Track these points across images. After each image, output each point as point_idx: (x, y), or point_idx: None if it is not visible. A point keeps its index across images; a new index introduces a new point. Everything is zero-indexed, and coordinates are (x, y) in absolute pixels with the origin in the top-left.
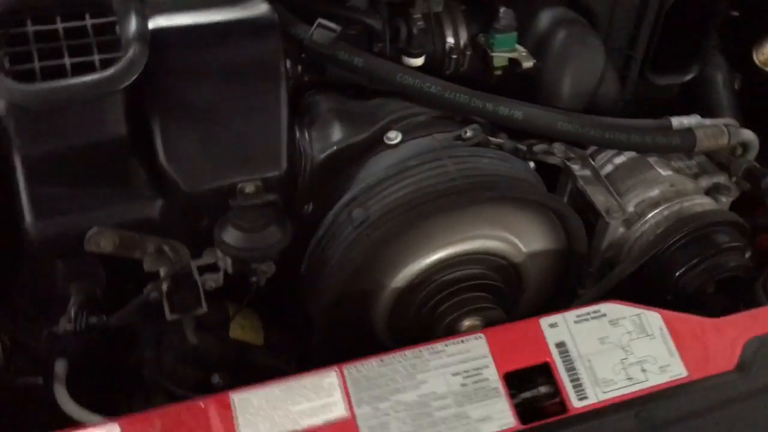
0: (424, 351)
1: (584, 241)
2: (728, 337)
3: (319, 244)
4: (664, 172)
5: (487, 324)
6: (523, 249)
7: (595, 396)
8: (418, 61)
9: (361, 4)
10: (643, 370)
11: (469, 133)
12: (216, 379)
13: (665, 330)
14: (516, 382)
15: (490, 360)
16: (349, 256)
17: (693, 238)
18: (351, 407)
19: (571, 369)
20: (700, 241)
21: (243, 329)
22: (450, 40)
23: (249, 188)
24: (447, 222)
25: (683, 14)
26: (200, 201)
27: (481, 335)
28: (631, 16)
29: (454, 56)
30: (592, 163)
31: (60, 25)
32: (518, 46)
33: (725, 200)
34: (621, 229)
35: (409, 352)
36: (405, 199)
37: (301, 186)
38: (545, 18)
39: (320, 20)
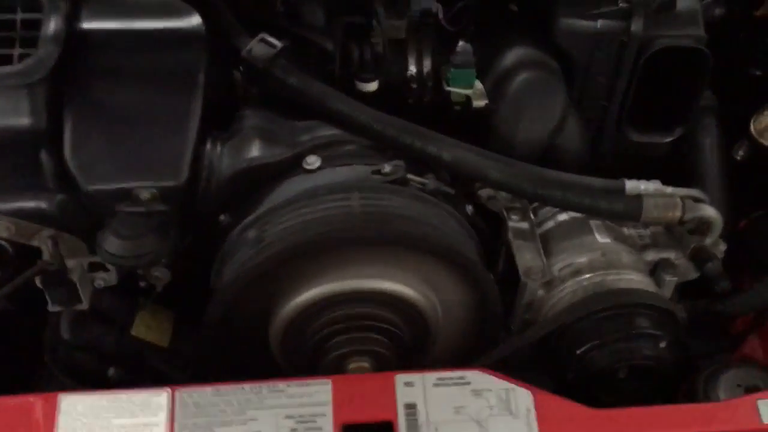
0: (264, 388)
1: (496, 298)
2: (609, 429)
3: (222, 259)
4: (601, 239)
5: (378, 368)
6: (431, 297)
7: None
8: (371, 86)
9: (319, 22)
10: None
11: (387, 169)
12: (111, 372)
13: (533, 412)
14: None
15: (329, 408)
16: (238, 275)
17: (604, 316)
18: (171, 424)
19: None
20: (610, 321)
21: (148, 329)
22: (412, 68)
23: (144, 195)
24: (342, 257)
25: (667, 68)
26: (97, 200)
27: (328, 381)
28: (609, 64)
29: (414, 85)
30: (532, 217)
31: None
32: (477, 83)
33: (669, 279)
34: (540, 292)
35: (248, 386)
36: (297, 228)
37: (209, 198)
38: (510, 57)
39: (263, 35)
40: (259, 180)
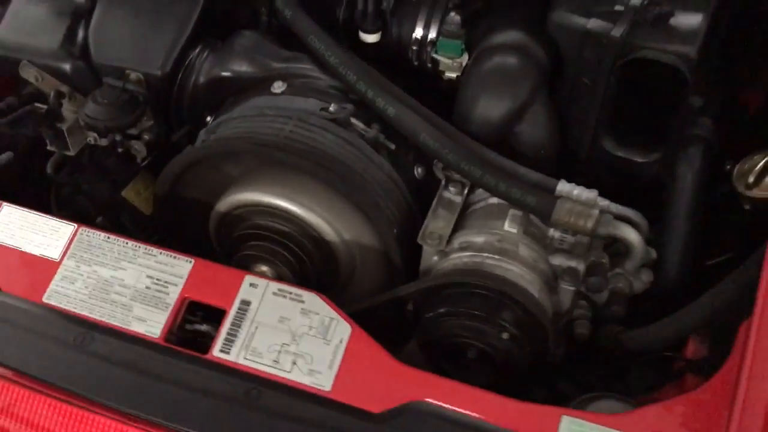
0: (141, 248)
1: (396, 251)
2: (398, 386)
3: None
4: (507, 227)
5: (280, 274)
6: (343, 234)
7: (235, 356)
8: (369, 38)
9: None
10: (294, 363)
11: (332, 108)
12: (99, 219)
13: (344, 344)
14: (192, 310)
15: (181, 282)
16: (177, 159)
17: (460, 292)
18: (63, 256)
19: (236, 325)
20: (463, 297)
21: (138, 195)
22: (419, 31)
23: (133, 76)
24: (265, 172)
25: (654, 83)
26: (100, 72)
27: (191, 260)
28: (593, 65)
29: (415, 48)
30: (465, 193)
31: None
32: (465, 56)
33: (565, 287)
34: (435, 259)
35: (131, 243)
36: (231, 135)
37: (185, 95)
38: (497, 38)
39: None
40: (232, 90)
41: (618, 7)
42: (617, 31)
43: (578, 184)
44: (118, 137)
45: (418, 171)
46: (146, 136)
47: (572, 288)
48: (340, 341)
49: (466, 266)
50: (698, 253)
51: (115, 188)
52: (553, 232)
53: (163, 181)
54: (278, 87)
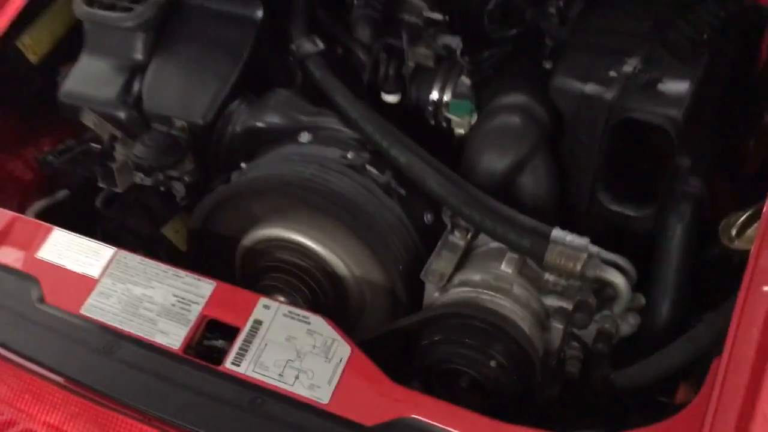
0: (171, 270)
1: (400, 288)
2: (390, 403)
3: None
4: (504, 268)
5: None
6: (354, 270)
7: (245, 369)
8: (390, 98)
9: (365, 39)
10: (296, 377)
11: (350, 156)
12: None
13: (343, 362)
14: (211, 326)
15: (203, 301)
16: (211, 196)
17: (455, 322)
18: (102, 274)
19: (248, 342)
20: (456, 327)
21: (176, 233)
22: (434, 93)
23: (178, 123)
24: (286, 209)
25: (649, 143)
26: (150, 119)
27: (214, 283)
28: (590, 125)
29: (431, 108)
30: (467, 236)
31: None
32: (474, 116)
33: (555, 325)
34: (436, 294)
35: (162, 266)
36: (256, 176)
37: (224, 143)
38: (504, 99)
39: (314, 36)
40: (265, 140)
41: (612, 74)
42: (609, 95)
43: (579, 235)
44: (161, 177)
45: (428, 217)
46: (187, 179)
47: (561, 326)
48: (340, 360)
49: (462, 300)
50: (689, 303)
51: (156, 225)
52: (548, 276)
53: (196, 216)
54: (305, 137)
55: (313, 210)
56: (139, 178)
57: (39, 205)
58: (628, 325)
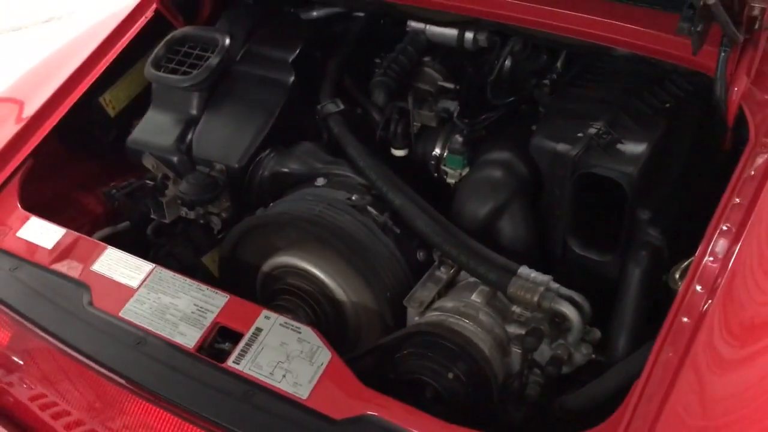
0: (195, 284)
1: (387, 311)
2: (359, 402)
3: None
4: (474, 298)
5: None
6: (352, 296)
7: (243, 367)
8: (398, 152)
9: (380, 102)
10: (284, 376)
11: (354, 198)
12: None
13: (323, 366)
14: (224, 333)
15: (216, 311)
16: (238, 226)
17: (423, 340)
18: (140, 285)
19: (248, 345)
20: (422, 344)
21: (213, 261)
22: (437, 150)
23: (218, 166)
24: (297, 240)
25: (615, 196)
26: (197, 163)
27: (227, 296)
28: (558, 180)
29: (433, 162)
30: (451, 271)
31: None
32: (466, 169)
33: (516, 350)
34: (416, 318)
35: (188, 280)
36: (274, 211)
37: (254, 186)
38: (490, 155)
39: (336, 99)
40: (288, 183)
41: (579, 135)
42: (574, 152)
43: (555, 279)
44: (201, 211)
45: (420, 254)
46: (224, 215)
47: (519, 350)
48: (321, 364)
49: (431, 321)
50: (644, 337)
51: (197, 254)
52: (515, 308)
53: (225, 245)
54: (320, 181)
55: (318, 241)
56: (184, 212)
57: (103, 232)
58: (581, 354)
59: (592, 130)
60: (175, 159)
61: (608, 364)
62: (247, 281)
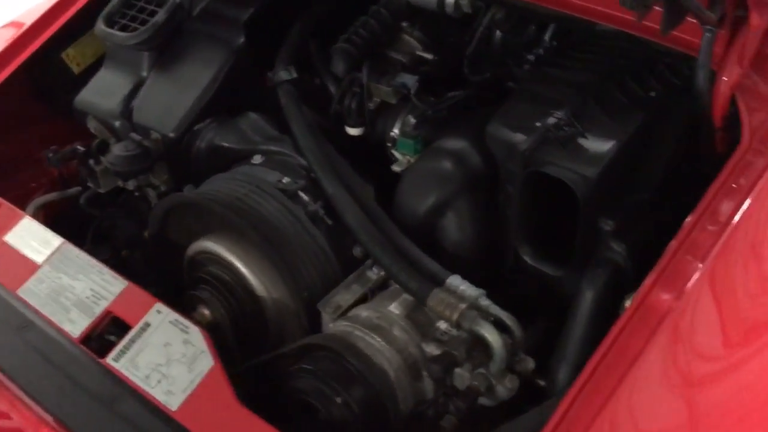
0: (97, 266)
1: (302, 312)
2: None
3: None
4: (392, 309)
5: (214, 321)
6: (272, 292)
7: (121, 366)
8: (353, 131)
9: (339, 72)
10: (159, 381)
11: (284, 181)
12: (124, 252)
13: (202, 375)
14: (116, 323)
15: (111, 298)
16: (159, 207)
17: (320, 355)
18: (45, 262)
19: (132, 341)
20: (316, 361)
21: None
22: (395, 131)
23: (154, 135)
24: (217, 225)
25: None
26: (137, 130)
27: (126, 283)
28: (512, 176)
29: (389, 144)
30: (382, 272)
31: None
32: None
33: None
34: (330, 324)
35: (92, 260)
36: (196, 191)
37: (190, 157)
38: (441, 143)
39: (290, 66)
40: (227, 158)
41: (537, 124)
42: (524, 144)
43: (506, 291)
44: (136, 183)
45: (357, 250)
46: (163, 187)
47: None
48: (200, 372)
49: (336, 334)
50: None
51: (137, 227)
52: (440, 324)
53: (151, 223)
54: (257, 159)
55: (233, 229)
56: (121, 182)
57: (49, 196)
58: (505, 388)
59: (551, 121)
60: (117, 124)
61: (548, 398)
62: (178, 264)
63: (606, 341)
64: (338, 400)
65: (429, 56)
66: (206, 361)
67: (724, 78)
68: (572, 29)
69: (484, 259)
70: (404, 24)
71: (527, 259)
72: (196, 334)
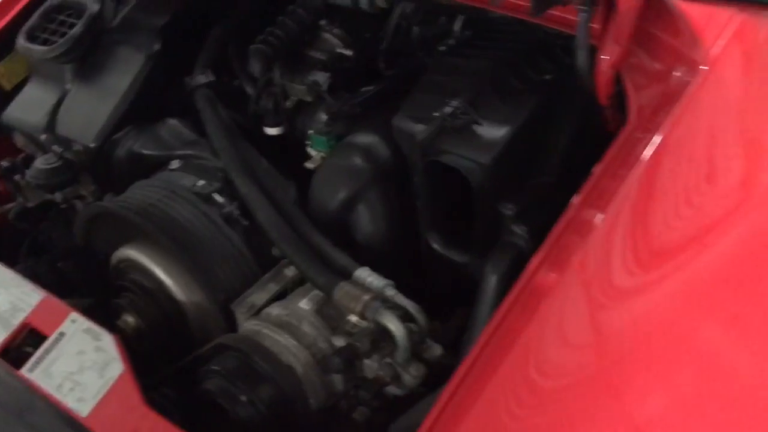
0: (18, 278)
1: (218, 316)
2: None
3: None
4: (302, 305)
5: (138, 329)
6: (192, 296)
7: (36, 376)
8: (271, 131)
9: (256, 73)
10: (71, 389)
11: (199, 185)
12: (59, 264)
13: (112, 381)
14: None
15: (29, 309)
16: (81, 216)
17: (228, 356)
18: None
19: (47, 351)
20: (224, 361)
21: None
22: (311, 130)
23: (76, 146)
24: (134, 231)
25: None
26: (61, 143)
27: (43, 294)
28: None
29: (308, 142)
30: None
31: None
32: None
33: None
34: (245, 324)
35: (11, 273)
36: (112, 200)
37: (112, 165)
38: (351, 138)
39: (207, 70)
40: (148, 165)
41: (436, 114)
42: (422, 134)
43: (423, 281)
44: (62, 196)
45: (276, 250)
46: (90, 198)
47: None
48: (111, 377)
49: (244, 333)
50: None
51: (70, 238)
52: (350, 317)
53: (76, 234)
54: (174, 165)
55: (146, 235)
56: (48, 195)
57: None
58: (410, 375)
59: (448, 109)
60: (42, 138)
61: None
62: (106, 273)
63: (492, 323)
64: (243, 398)
65: (348, 53)
66: (116, 367)
67: (604, 57)
68: (475, 18)
69: (399, 250)
70: (323, 22)
71: (436, 247)
72: (107, 342)
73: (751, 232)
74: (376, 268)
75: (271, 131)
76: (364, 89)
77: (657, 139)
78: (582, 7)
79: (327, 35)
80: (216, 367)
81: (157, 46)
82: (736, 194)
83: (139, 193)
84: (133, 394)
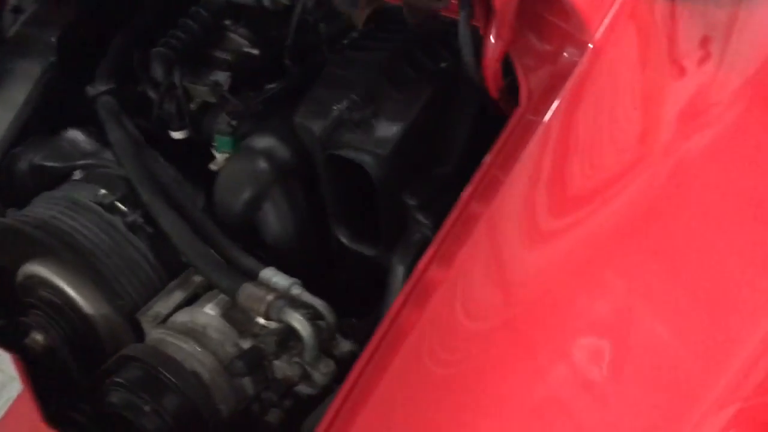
0: None
1: (124, 328)
2: None
3: None
4: (208, 310)
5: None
6: (100, 309)
7: None
8: (176, 135)
9: (158, 77)
10: None
11: (99, 194)
12: None
13: (9, 402)
14: None
15: None
16: None
17: (132, 367)
18: None
19: None
20: (126, 372)
21: None
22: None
23: None
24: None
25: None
26: None
27: None
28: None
29: (215, 144)
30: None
31: None
32: None
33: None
34: (152, 333)
35: None
36: (13, 216)
37: (16, 180)
38: (253, 139)
39: (109, 78)
40: (51, 177)
41: (334, 108)
42: (318, 128)
43: (334, 280)
44: None
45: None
46: None
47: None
48: (9, 398)
49: (150, 342)
50: None
51: None
52: (258, 319)
53: None
54: (77, 175)
55: (46, 250)
56: None
57: None
58: (320, 374)
59: (345, 103)
60: None
61: None
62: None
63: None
64: (147, 408)
65: (255, 52)
66: (15, 388)
67: (488, 51)
68: (378, 10)
69: (311, 248)
70: (227, 22)
71: (345, 241)
72: (6, 362)
73: (648, 184)
74: (288, 268)
75: (177, 135)
76: (267, 87)
77: (548, 117)
78: (462, 5)
79: (233, 35)
80: (119, 380)
81: (53, 58)
82: (632, 151)
83: (41, 206)
84: (32, 414)
